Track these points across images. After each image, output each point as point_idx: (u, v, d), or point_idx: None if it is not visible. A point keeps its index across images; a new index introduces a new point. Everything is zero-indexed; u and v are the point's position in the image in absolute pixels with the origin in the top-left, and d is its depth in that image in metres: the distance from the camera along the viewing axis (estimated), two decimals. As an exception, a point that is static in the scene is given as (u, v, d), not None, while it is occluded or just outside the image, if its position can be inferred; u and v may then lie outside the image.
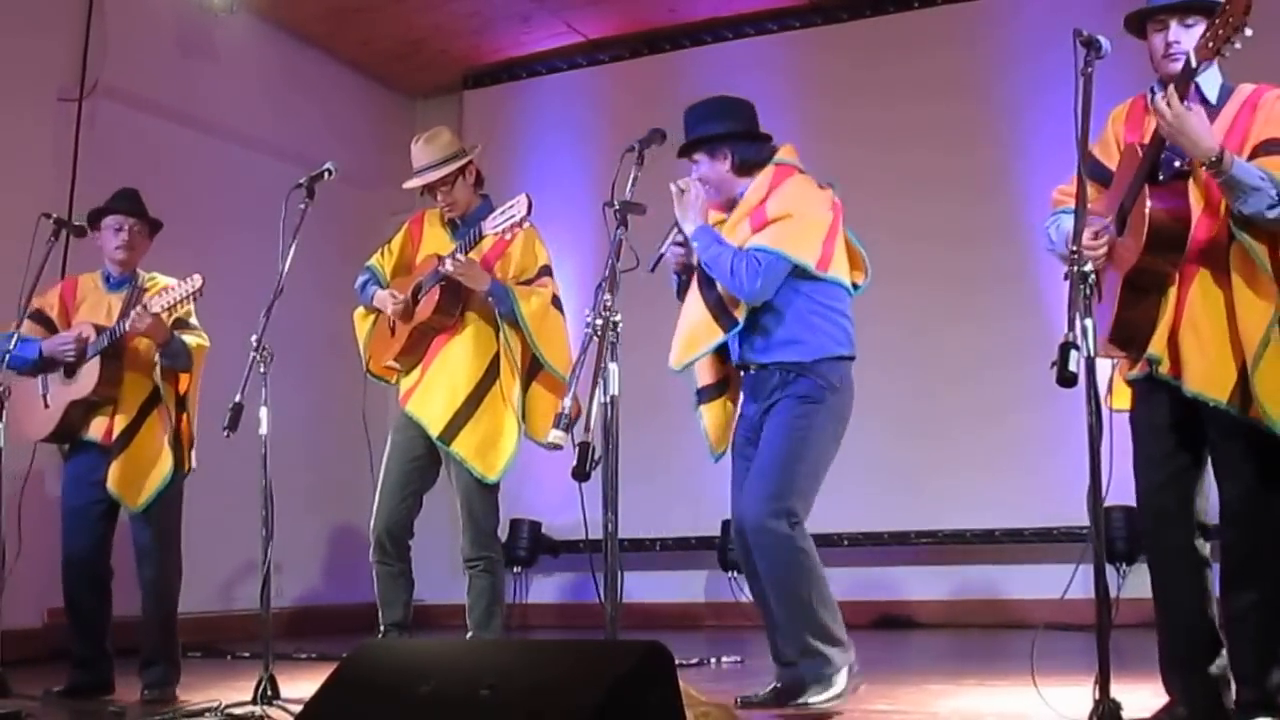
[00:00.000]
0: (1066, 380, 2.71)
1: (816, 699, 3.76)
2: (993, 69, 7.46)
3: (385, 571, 4.52)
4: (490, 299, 4.43)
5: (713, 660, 5.57)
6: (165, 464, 4.64)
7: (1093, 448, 2.80)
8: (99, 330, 4.67)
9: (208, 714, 4.01)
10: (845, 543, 7.13)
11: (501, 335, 4.46)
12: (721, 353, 4.09)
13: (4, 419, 4.66)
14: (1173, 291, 3.13)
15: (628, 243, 3.36)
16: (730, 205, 4.08)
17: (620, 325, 3.19)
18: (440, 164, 4.54)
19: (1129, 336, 3.18)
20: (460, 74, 9.02)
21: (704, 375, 4.16)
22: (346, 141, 8.06)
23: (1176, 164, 3.11)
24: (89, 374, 4.65)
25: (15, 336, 4.63)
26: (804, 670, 3.82)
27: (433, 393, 4.48)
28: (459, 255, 4.39)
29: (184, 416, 4.74)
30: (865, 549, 7.28)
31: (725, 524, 7.49)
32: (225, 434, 4.05)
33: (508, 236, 4.39)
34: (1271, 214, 2.97)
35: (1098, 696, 2.74)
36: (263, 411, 4.22)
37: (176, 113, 7.26)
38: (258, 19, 7.83)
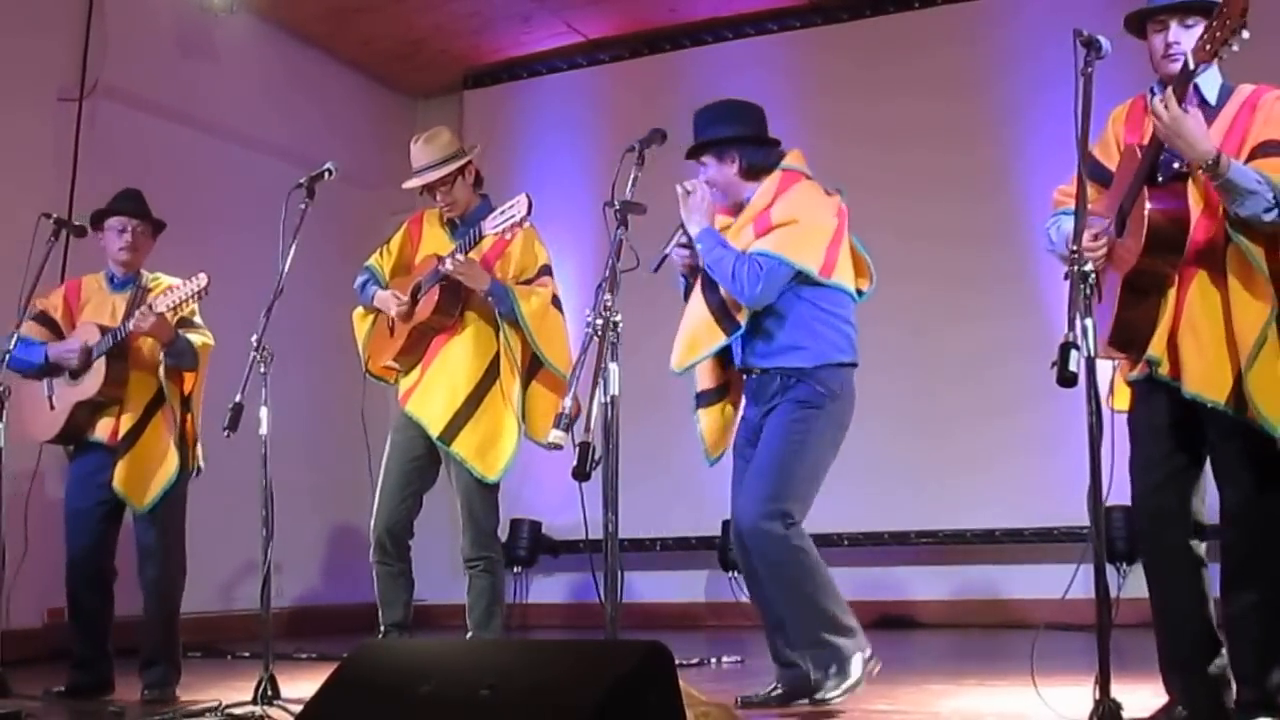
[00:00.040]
0: (1066, 380, 2.71)
1: (835, 693, 3.78)
2: (992, 69, 7.46)
3: (385, 572, 4.52)
4: (490, 299, 4.43)
5: (713, 660, 5.57)
6: (171, 464, 4.65)
7: (1093, 447, 2.80)
8: (103, 331, 4.67)
9: (208, 714, 4.01)
10: (845, 542, 7.13)
11: (501, 335, 4.46)
12: (722, 357, 4.09)
13: (4, 419, 4.66)
14: (1172, 293, 3.13)
15: (628, 243, 3.36)
16: (737, 209, 4.09)
17: (620, 325, 3.19)
18: (439, 164, 4.54)
19: (1129, 338, 3.18)
20: (460, 74, 9.02)
21: (704, 379, 4.16)
22: (347, 141, 8.06)
23: (1175, 165, 3.11)
24: (94, 374, 4.65)
25: (15, 336, 4.63)
26: (818, 663, 3.84)
27: (433, 393, 4.48)
28: (459, 255, 4.38)
29: (189, 416, 4.74)
30: (865, 549, 7.28)
31: (725, 524, 7.48)
32: (225, 434, 4.06)
33: (508, 236, 4.39)
34: (1268, 217, 2.97)
35: (1098, 696, 2.74)
36: (263, 411, 4.22)
37: (176, 113, 7.25)
38: (258, 19, 7.82)
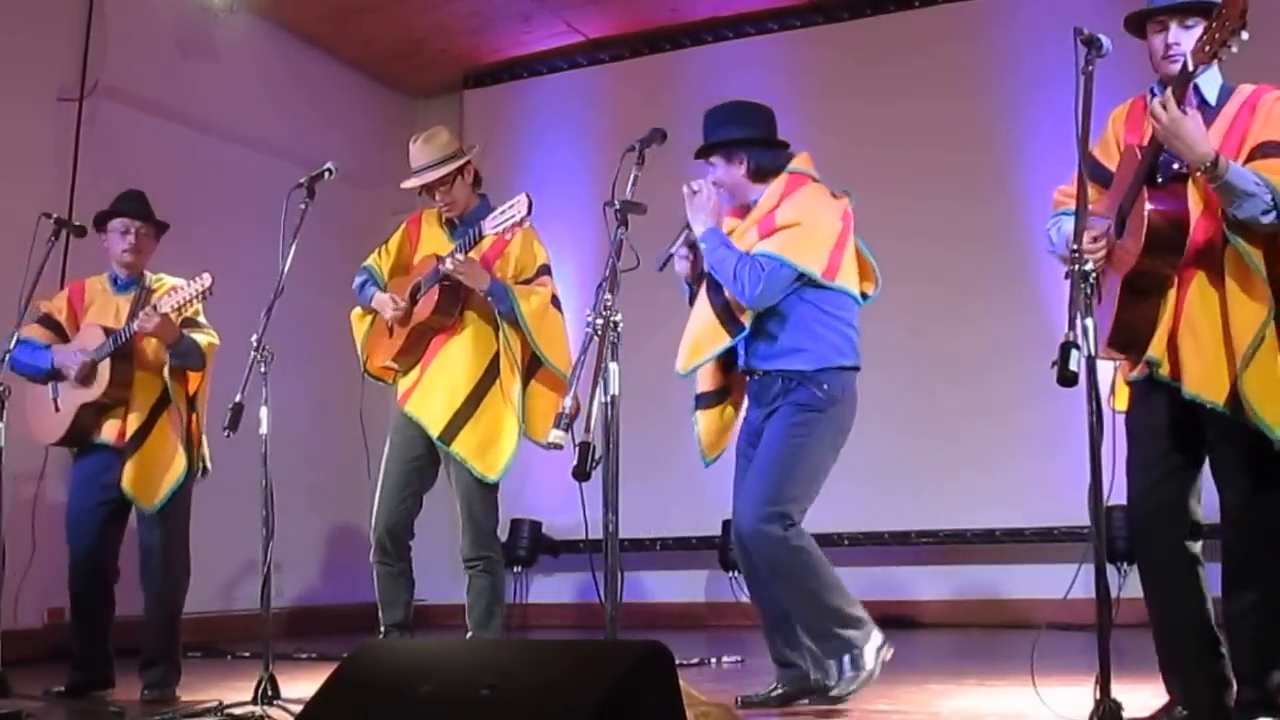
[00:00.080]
0: (1067, 380, 2.71)
1: (851, 687, 3.80)
2: (993, 67, 7.46)
3: (386, 572, 4.52)
4: (490, 298, 4.42)
5: (713, 660, 5.57)
6: (179, 464, 4.65)
7: (1093, 447, 2.79)
8: (107, 333, 4.67)
9: (208, 714, 4.01)
10: (845, 542, 7.12)
11: (501, 334, 4.46)
12: (725, 360, 4.10)
13: (4, 419, 4.66)
14: (1172, 294, 3.12)
15: (628, 242, 3.36)
16: (744, 211, 4.09)
17: (621, 325, 3.19)
18: (439, 164, 4.53)
19: (1129, 339, 3.17)
20: (461, 73, 9.01)
21: (704, 382, 4.16)
22: (347, 141, 8.06)
23: (1175, 166, 3.10)
24: (99, 376, 4.65)
25: (15, 336, 4.63)
26: (829, 655, 3.85)
27: (432, 393, 4.48)
28: (458, 254, 4.38)
29: (194, 416, 4.74)
30: (866, 549, 7.28)
31: (726, 524, 7.48)
32: (225, 434, 4.06)
33: (508, 236, 4.39)
34: (1266, 219, 2.97)
35: (1098, 696, 2.74)
36: (263, 411, 4.22)
37: (177, 113, 7.25)
38: (258, 19, 7.82)
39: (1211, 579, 3.20)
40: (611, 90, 8.56)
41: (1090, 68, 2.97)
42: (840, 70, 7.83)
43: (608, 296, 3.21)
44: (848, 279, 3.97)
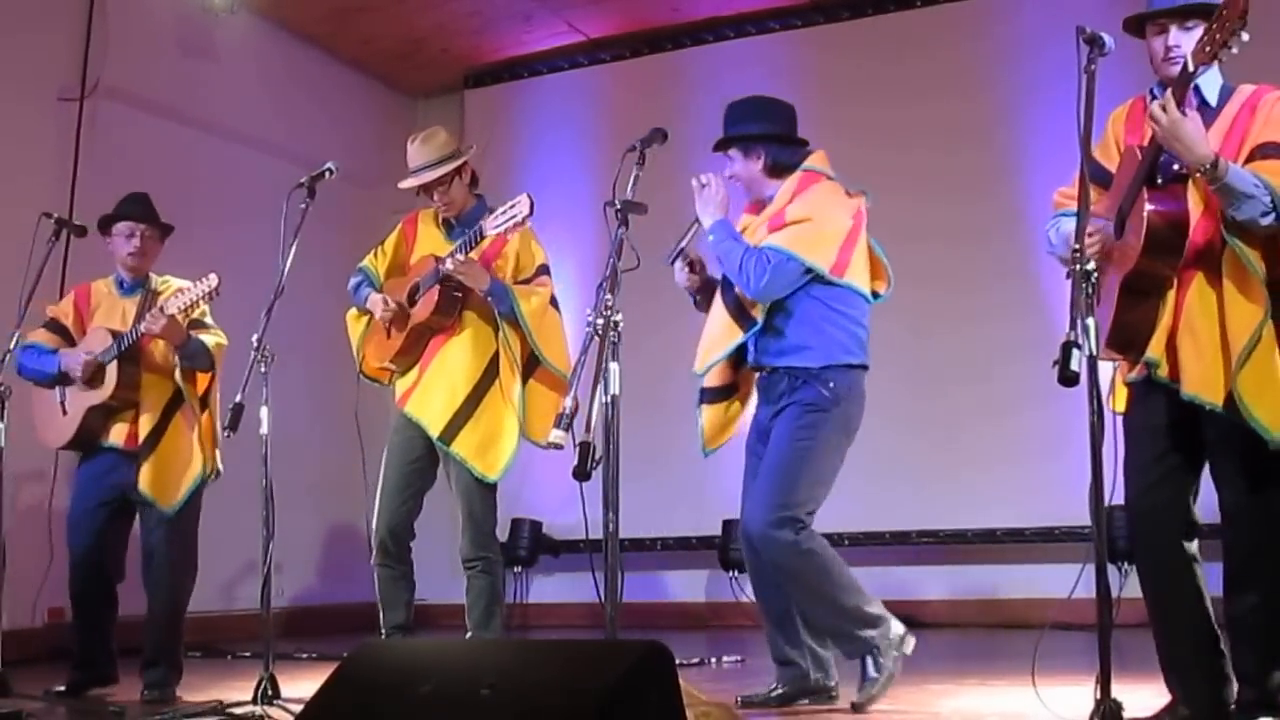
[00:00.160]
0: (1068, 380, 2.70)
1: (874, 691, 3.80)
2: (994, 67, 7.45)
3: (387, 574, 4.51)
4: (490, 298, 4.42)
5: (713, 660, 5.57)
6: (196, 464, 4.68)
7: (1095, 447, 2.79)
8: (114, 335, 4.67)
9: (208, 714, 4.01)
10: (846, 542, 7.11)
11: (501, 334, 4.45)
12: (733, 357, 4.09)
13: (4, 419, 4.66)
14: (1171, 294, 3.12)
15: (629, 242, 3.36)
16: (760, 207, 4.10)
17: (621, 325, 3.19)
18: (437, 164, 4.52)
19: (1127, 340, 3.17)
20: (461, 73, 9.01)
21: (712, 378, 4.16)
22: (348, 141, 8.06)
23: (1175, 167, 3.10)
24: (106, 379, 4.66)
25: (16, 336, 4.64)
26: (845, 655, 3.88)
27: (432, 393, 4.47)
28: (459, 255, 4.37)
29: (208, 415, 4.73)
30: (866, 548, 7.27)
31: (726, 523, 7.49)
32: (226, 434, 4.06)
33: (509, 236, 4.39)
34: (1265, 221, 2.97)
35: (1099, 696, 2.74)
36: (263, 411, 4.21)
37: (177, 113, 7.25)
38: (258, 19, 7.82)
39: (1211, 579, 3.20)
40: (612, 90, 8.55)
41: (1093, 67, 2.97)
42: (841, 70, 7.82)
43: (608, 296, 3.21)
44: (857, 276, 3.97)
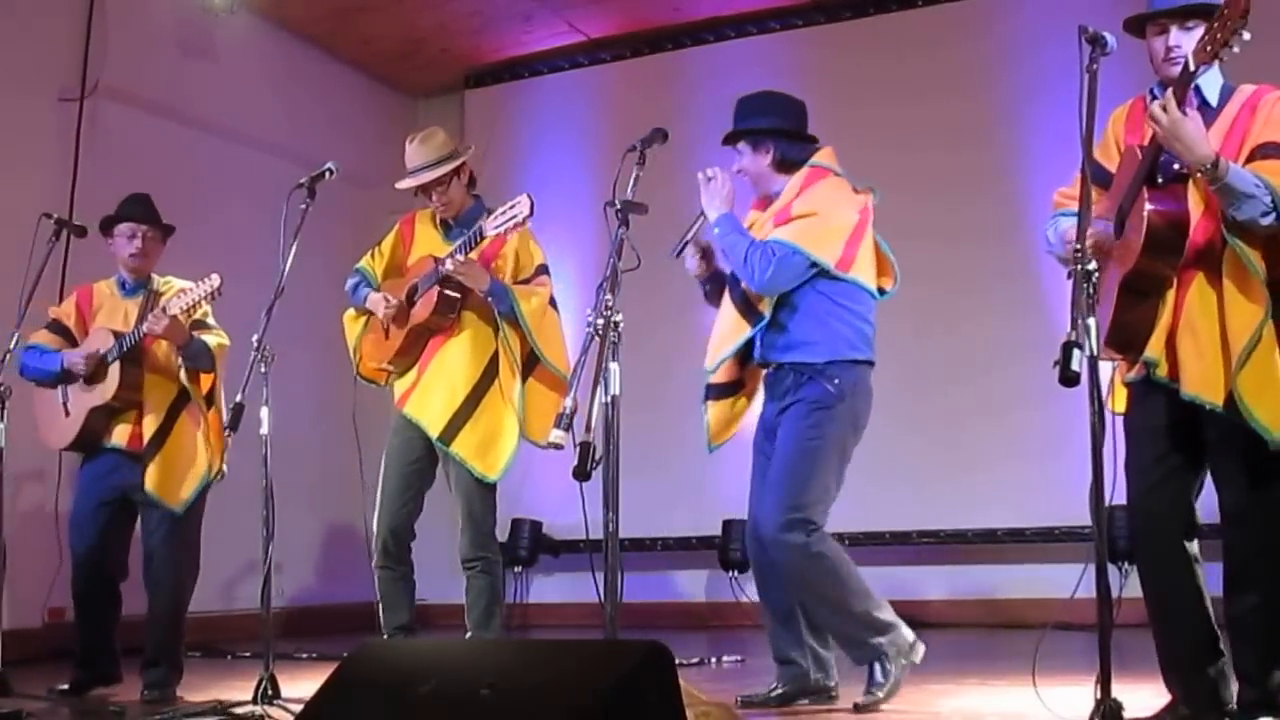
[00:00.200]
0: (1069, 380, 2.70)
1: (880, 694, 3.80)
2: (995, 66, 7.45)
3: (389, 576, 4.51)
4: (490, 298, 4.41)
5: (713, 660, 5.57)
6: (202, 464, 4.68)
7: (1095, 447, 2.79)
8: (116, 336, 4.67)
9: (208, 714, 4.00)
10: (846, 542, 7.00)
11: (501, 334, 4.45)
12: (740, 353, 4.10)
13: (4, 419, 4.66)
14: (1171, 294, 3.12)
15: (629, 242, 3.36)
16: (767, 203, 4.11)
17: (621, 325, 3.19)
18: (435, 164, 4.52)
19: (1127, 340, 3.16)
20: (462, 73, 9.01)
21: (718, 375, 4.16)
22: (348, 141, 8.05)
23: (1176, 166, 3.10)
24: (109, 380, 4.66)
25: (16, 336, 4.64)
26: (855, 661, 3.89)
27: (431, 394, 4.47)
28: (459, 255, 4.37)
29: (213, 412, 4.73)
30: (866, 548, 7.26)
31: (726, 523, 7.49)
32: (226, 434, 4.06)
33: (508, 236, 4.39)
34: (1265, 221, 2.97)
35: (1099, 696, 2.74)
36: (263, 411, 4.21)
37: (177, 113, 7.25)
38: (258, 19, 7.82)
39: (1211, 579, 3.20)
40: (613, 90, 8.55)
41: (1095, 66, 2.96)
42: (842, 69, 7.82)
43: (608, 297, 3.21)
44: (862, 272, 3.97)
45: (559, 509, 7.61)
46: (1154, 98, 3.16)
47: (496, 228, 4.29)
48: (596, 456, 3.03)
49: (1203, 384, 3.05)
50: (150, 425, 4.66)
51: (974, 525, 7.21)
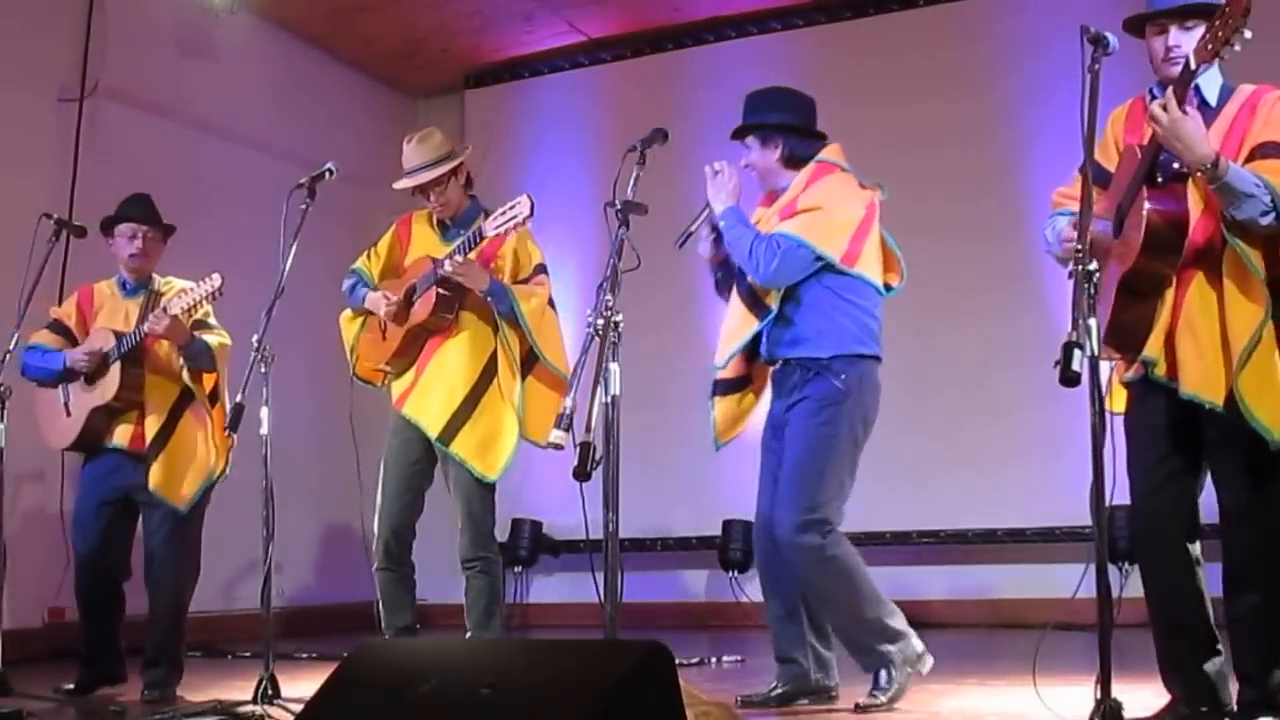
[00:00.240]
0: (1069, 380, 2.70)
1: (874, 701, 3.80)
2: (996, 66, 7.45)
3: (389, 578, 4.50)
4: (489, 298, 4.41)
5: (713, 659, 5.57)
6: (207, 462, 4.68)
7: (1096, 447, 2.79)
8: (117, 336, 4.67)
9: (208, 714, 4.00)
10: (847, 542, 7.11)
11: (500, 334, 4.44)
12: (747, 350, 4.10)
13: (5, 420, 4.66)
14: (1169, 293, 3.12)
15: (629, 242, 3.36)
16: (774, 199, 4.11)
17: (621, 325, 3.19)
18: (433, 164, 4.51)
19: (1125, 340, 3.16)
20: (462, 73, 9.01)
21: (725, 370, 4.16)
22: (348, 141, 8.05)
23: (1175, 166, 3.09)
24: (110, 380, 4.65)
25: (16, 336, 4.64)
26: (863, 667, 3.89)
27: (430, 394, 4.46)
28: (458, 256, 4.36)
29: (218, 409, 4.73)
30: (867, 548, 7.15)
31: (726, 523, 7.49)
32: (227, 434, 4.06)
33: (509, 236, 4.39)
34: (1264, 220, 2.97)
35: (1099, 696, 2.74)
36: (263, 411, 4.21)
37: (177, 113, 7.25)
38: (258, 19, 7.81)
39: (1211, 579, 3.20)
40: (613, 90, 8.55)
41: (1096, 66, 2.96)
42: (843, 69, 7.81)
43: (608, 297, 3.21)
44: (868, 267, 3.96)
45: (559, 509, 7.61)
46: (1153, 98, 3.16)
47: (497, 228, 4.28)
48: (596, 456, 3.04)
49: (1202, 383, 3.05)
50: (153, 425, 4.66)
51: (974, 525, 7.21)
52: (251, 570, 5.72)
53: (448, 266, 4.34)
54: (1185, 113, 2.97)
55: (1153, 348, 3.12)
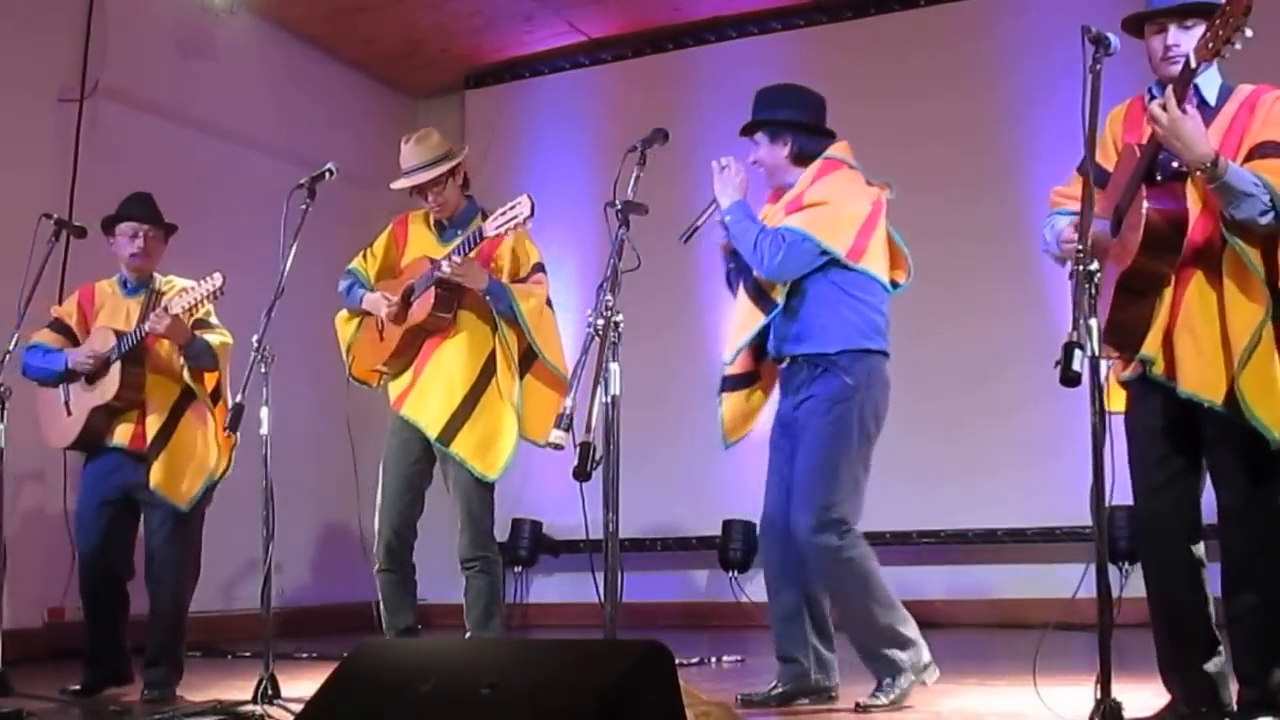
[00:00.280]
0: (1070, 380, 2.70)
1: (876, 702, 3.80)
2: (997, 66, 7.44)
3: (391, 579, 4.50)
4: (488, 297, 4.40)
5: (713, 659, 5.57)
6: (209, 461, 4.68)
7: (1096, 447, 2.79)
8: (118, 335, 4.66)
9: (208, 714, 4.00)
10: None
11: (498, 333, 4.44)
12: (755, 347, 4.10)
13: (5, 420, 4.66)
14: (1168, 292, 3.11)
15: (629, 242, 3.36)
16: (780, 196, 4.11)
17: (622, 325, 3.19)
18: (431, 164, 4.51)
19: (1122, 339, 3.16)
20: (462, 73, 9.01)
21: (733, 366, 4.16)
22: (348, 141, 8.04)
23: (1174, 164, 3.09)
24: (110, 379, 4.65)
25: (16, 337, 4.64)
26: (872, 672, 3.89)
27: (429, 395, 4.45)
28: (456, 256, 4.36)
29: (221, 407, 4.72)
30: (867, 548, 7.27)
31: (726, 523, 7.49)
32: (227, 434, 4.06)
33: (507, 236, 4.39)
34: (1264, 220, 2.97)
35: (1099, 696, 2.74)
36: (264, 412, 4.21)
37: (177, 113, 7.25)
38: (258, 19, 7.81)
39: (1211, 579, 3.19)
40: (613, 90, 8.55)
41: (1098, 66, 2.96)
42: (844, 69, 7.79)
43: (609, 297, 3.21)
44: (874, 263, 3.96)
45: (559, 509, 7.61)
46: (1152, 97, 3.16)
47: (498, 228, 4.28)
48: (596, 457, 3.04)
49: (1201, 382, 3.05)
50: (154, 424, 4.66)
51: (974, 525, 7.20)
52: (251, 570, 5.72)
53: (446, 267, 4.33)
54: (1185, 112, 2.97)
55: (1150, 346, 3.12)
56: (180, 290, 4.64)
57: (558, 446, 3.12)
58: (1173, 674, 3.24)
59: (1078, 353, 2.71)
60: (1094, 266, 2.82)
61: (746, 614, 7.18)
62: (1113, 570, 2.88)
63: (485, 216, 4.41)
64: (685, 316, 7.34)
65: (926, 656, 3.89)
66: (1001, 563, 7.20)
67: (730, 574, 7.52)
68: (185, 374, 4.66)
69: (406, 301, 4.49)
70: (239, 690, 4.39)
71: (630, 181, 3.45)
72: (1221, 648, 3.17)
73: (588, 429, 3.06)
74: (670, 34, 8.45)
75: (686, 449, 7.32)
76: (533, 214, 4.24)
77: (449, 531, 4.55)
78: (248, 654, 5.90)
